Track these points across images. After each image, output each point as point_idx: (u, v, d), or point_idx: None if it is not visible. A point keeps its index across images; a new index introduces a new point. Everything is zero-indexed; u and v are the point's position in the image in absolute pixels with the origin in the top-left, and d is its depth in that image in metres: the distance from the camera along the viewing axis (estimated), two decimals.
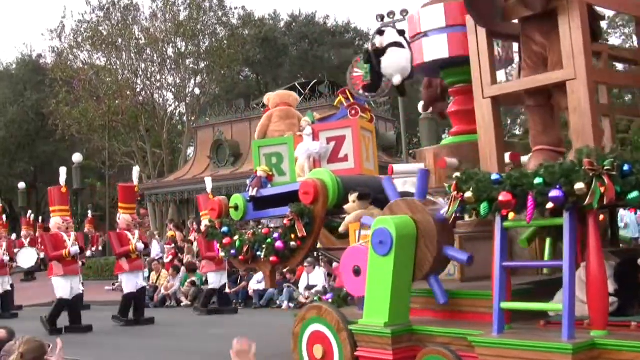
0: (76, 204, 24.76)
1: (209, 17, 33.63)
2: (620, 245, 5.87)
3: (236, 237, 6.45)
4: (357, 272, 5.14)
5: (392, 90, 6.60)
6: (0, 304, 14.82)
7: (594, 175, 3.77)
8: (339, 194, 6.02)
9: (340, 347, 5.01)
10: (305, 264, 13.15)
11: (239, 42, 33.23)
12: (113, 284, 19.94)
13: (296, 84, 28.26)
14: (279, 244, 6.03)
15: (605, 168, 3.77)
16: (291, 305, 13.65)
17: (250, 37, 35.09)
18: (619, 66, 7.14)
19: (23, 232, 21.08)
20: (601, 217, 4.88)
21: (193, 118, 32.08)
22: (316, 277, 13.90)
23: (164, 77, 33.03)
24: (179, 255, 18.07)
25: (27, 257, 16.67)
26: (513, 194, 4.06)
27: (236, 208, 6.70)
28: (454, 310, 4.89)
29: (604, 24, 5.42)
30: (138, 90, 32.82)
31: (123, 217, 12.47)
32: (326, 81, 27.03)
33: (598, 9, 4.68)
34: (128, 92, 31.67)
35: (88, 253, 17.45)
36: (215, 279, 13.46)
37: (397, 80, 6.09)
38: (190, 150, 34.26)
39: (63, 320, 11.81)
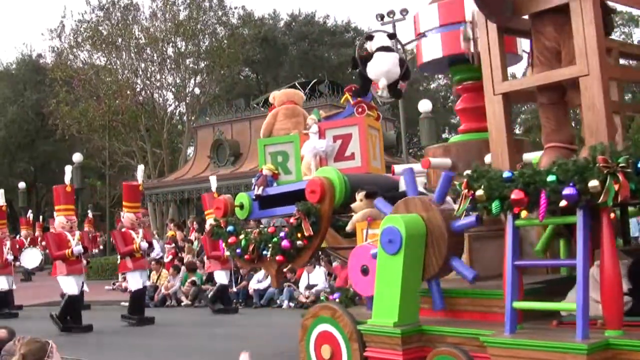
0: (76, 203, 24.67)
1: (208, 17, 33.61)
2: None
3: (242, 236, 6.39)
4: (365, 271, 5.09)
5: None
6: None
7: (608, 173, 3.71)
8: (345, 193, 5.96)
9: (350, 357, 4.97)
10: None
11: (239, 41, 33.20)
12: (113, 284, 19.92)
13: (296, 84, 28.18)
14: (285, 243, 5.97)
15: (620, 165, 3.71)
16: (291, 304, 13.63)
17: (250, 36, 35.07)
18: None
19: (23, 232, 21.02)
20: (611, 215, 4.83)
21: (193, 118, 32.04)
22: (316, 276, 13.89)
23: (163, 76, 33.02)
24: (179, 254, 18.03)
25: (32, 258, 16.61)
26: (525, 192, 4.00)
27: (241, 207, 6.65)
28: (464, 310, 4.83)
29: None
30: (138, 89, 32.79)
31: (127, 216, 12.40)
32: (326, 81, 26.97)
33: (609, 2, 4.63)
34: (128, 92, 31.61)
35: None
36: (223, 277, 13.49)
37: (382, 83, 6.22)
38: (190, 150, 34.22)
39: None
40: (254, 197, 6.60)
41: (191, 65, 33.66)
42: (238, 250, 6.41)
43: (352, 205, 5.70)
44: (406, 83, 6.36)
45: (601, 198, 3.71)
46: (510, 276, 4.21)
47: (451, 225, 4.62)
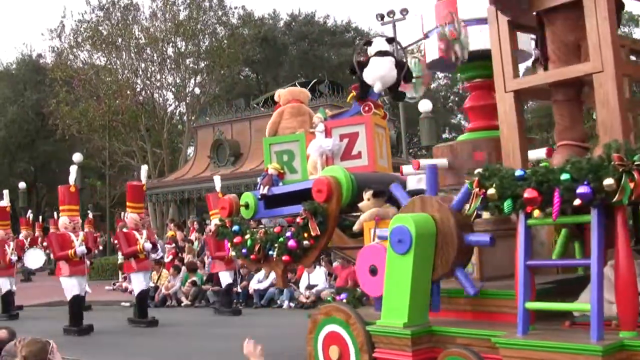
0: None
1: (208, 17, 33.55)
2: None
3: (247, 236, 6.32)
4: (373, 271, 5.02)
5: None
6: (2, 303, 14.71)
7: (623, 171, 3.65)
8: (353, 192, 5.89)
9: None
10: None
11: (239, 41, 33.14)
12: (113, 284, 19.87)
13: (296, 84, 28.09)
14: (291, 242, 5.90)
15: (636, 163, 3.65)
16: (292, 304, 13.59)
17: (250, 36, 35.02)
18: None
19: (23, 232, 20.99)
20: None
21: (193, 118, 31.97)
22: (317, 276, 13.88)
23: (164, 76, 32.94)
24: (180, 254, 17.97)
25: (35, 258, 16.54)
26: (539, 190, 3.94)
27: (247, 206, 6.58)
28: (475, 311, 4.77)
29: None
30: (138, 89, 32.72)
31: (131, 217, 12.33)
32: (326, 80, 26.92)
33: None
34: (128, 92, 31.54)
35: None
36: (227, 277, 13.41)
37: (377, 87, 6.33)
38: (191, 150, 34.15)
39: (64, 320, 11.70)
40: (260, 196, 6.53)
41: (191, 65, 33.60)
42: (244, 250, 6.34)
43: (360, 205, 5.63)
44: (414, 83, 6.31)
45: (616, 196, 3.65)
46: (522, 276, 4.14)
47: (464, 236, 4.55)
